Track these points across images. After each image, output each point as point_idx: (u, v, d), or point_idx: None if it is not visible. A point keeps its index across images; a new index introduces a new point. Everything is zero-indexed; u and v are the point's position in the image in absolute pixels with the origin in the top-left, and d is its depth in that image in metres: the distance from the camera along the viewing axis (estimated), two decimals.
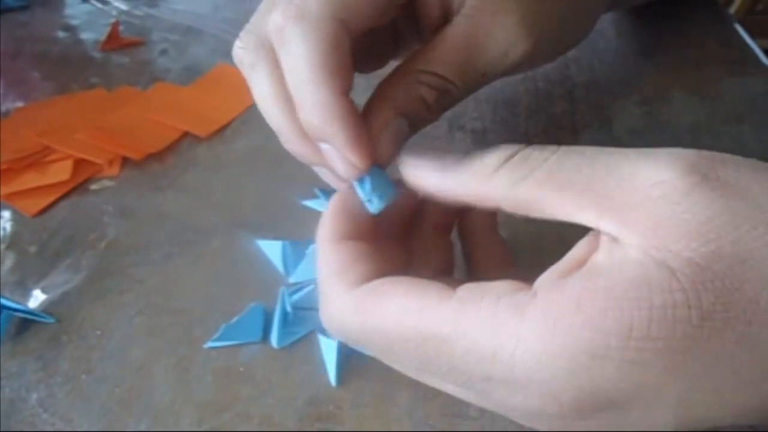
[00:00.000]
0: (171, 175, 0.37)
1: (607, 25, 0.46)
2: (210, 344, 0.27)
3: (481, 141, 0.37)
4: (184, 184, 0.36)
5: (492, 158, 0.18)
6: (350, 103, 0.20)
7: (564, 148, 0.17)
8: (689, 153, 0.15)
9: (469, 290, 0.16)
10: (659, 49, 0.43)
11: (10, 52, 0.50)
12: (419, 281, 0.17)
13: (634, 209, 0.15)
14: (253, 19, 0.25)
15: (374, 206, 0.20)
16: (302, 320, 0.28)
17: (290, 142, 0.22)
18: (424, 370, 0.17)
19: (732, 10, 1.07)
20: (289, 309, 0.28)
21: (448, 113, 0.39)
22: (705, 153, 0.15)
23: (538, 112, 0.38)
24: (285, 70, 0.21)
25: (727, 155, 0.16)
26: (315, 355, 0.27)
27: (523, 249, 0.29)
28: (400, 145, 0.22)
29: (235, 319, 0.28)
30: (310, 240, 0.31)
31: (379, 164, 0.21)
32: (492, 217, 0.23)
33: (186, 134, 0.40)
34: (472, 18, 0.23)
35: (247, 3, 0.55)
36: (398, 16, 0.24)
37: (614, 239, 0.15)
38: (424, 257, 0.22)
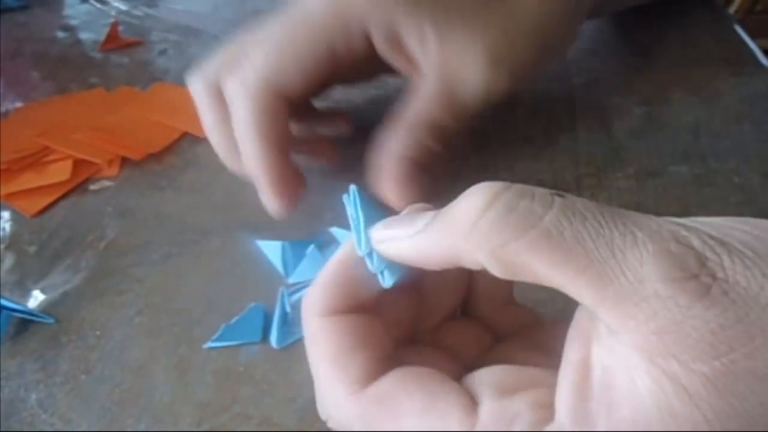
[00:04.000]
0: (170, 175, 0.37)
1: (607, 25, 0.46)
2: (209, 344, 0.27)
3: (480, 142, 0.37)
4: (183, 184, 0.36)
5: (466, 211, 0.15)
6: (278, 155, 0.28)
7: (559, 204, 0.14)
8: (698, 242, 0.14)
9: (494, 413, 0.15)
10: (659, 49, 0.43)
11: (10, 52, 0.50)
12: (435, 390, 0.16)
13: (638, 305, 0.13)
14: (212, 64, 0.31)
15: (386, 280, 0.17)
16: (302, 320, 0.28)
17: (229, 164, 0.31)
18: None
19: (732, 10, 1.07)
20: (288, 309, 0.28)
21: None
22: (714, 241, 0.14)
23: (538, 113, 0.38)
24: (233, 120, 0.28)
25: (737, 242, 0.14)
26: None
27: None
28: (409, 184, 0.27)
29: (234, 319, 0.28)
30: (309, 240, 0.31)
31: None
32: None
33: (185, 134, 0.40)
34: (441, 70, 0.28)
35: (247, 3, 0.55)
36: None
37: (614, 332, 0.14)
38: (437, 299, 0.20)
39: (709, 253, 0.13)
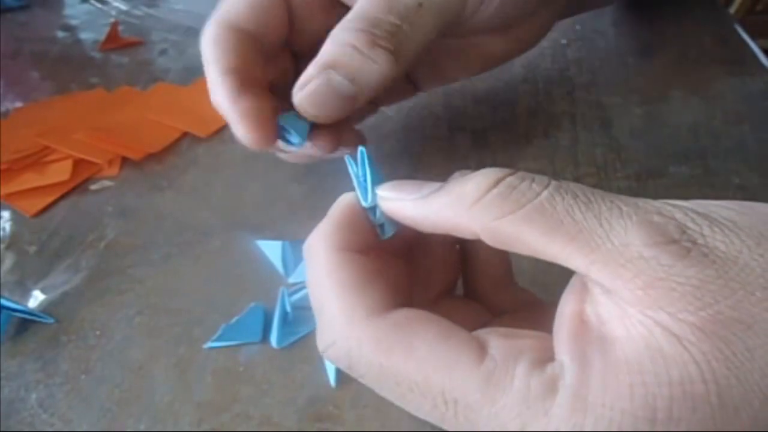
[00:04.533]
0: (170, 175, 0.37)
1: (607, 25, 0.46)
2: (210, 344, 0.27)
3: (480, 142, 0.37)
4: (183, 184, 0.36)
5: (472, 187, 0.16)
6: (237, 86, 0.24)
7: (555, 184, 0.16)
8: (680, 214, 0.15)
9: (501, 352, 0.15)
10: (659, 50, 0.43)
11: (10, 52, 0.50)
12: (449, 326, 0.16)
13: (625, 265, 0.14)
14: None
15: (386, 231, 0.19)
16: (302, 320, 0.28)
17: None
18: (436, 421, 0.16)
19: (732, 10, 1.07)
20: (288, 309, 0.28)
21: (448, 114, 0.39)
22: (697, 213, 0.15)
23: (538, 113, 0.38)
24: None
25: (715, 213, 0.15)
26: (315, 355, 0.27)
27: (523, 265, 0.29)
28: (336, 104, 0.22)
29: (234, 319, 0.28)
30: None
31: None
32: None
33: (186, 134, 0.40)
34: None
35: None
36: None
37: (607, 290, 0.15)
38: (429, 275, 0.21)
39: (690, 224, 0.15)
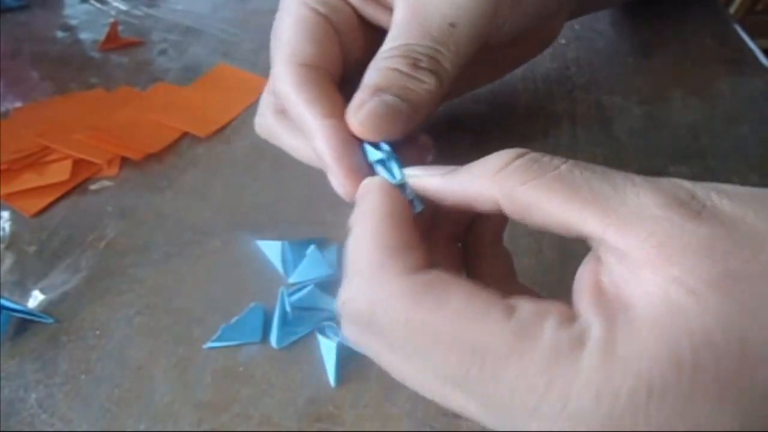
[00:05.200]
0: (170, 175, 0.37)
1: (607, 25, 0.46)
2: (209, 344, 0.27)
3: (481, 141, 0.37)
4: (183, 184, 0.36)
5: (497, 159, 0.18)
6: (336, 135, 0.22)
7: (573, 161, 0.17)
8: (688, 183, 0.16)
9: (530, 309, 0.16)
10: (659, 49, 0.43)
11: (9, 52, 0.50)
12: (478, 286, 0.17)
13: (639, 225, 0.15)
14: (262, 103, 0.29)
15: (415, 207, 0.20)
16: (302, 320, 0.28)
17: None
18: (455, 385, 0.16)
19: (732, 10, 1.07)
20: (288, 309, 0.28)
21: (447, 114, 0.39)
22: (704, 183, 0.16)
23: (538, 113, 0.38)
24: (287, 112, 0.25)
25: (722, 185, 0.16)
26: (314, 356, 0.27)
27: (524, 264, 0.29)
28: (395, 121, 0.22)
29: (234, 319, 0.28)
30: (310, 240, 0.31)
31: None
32: (498, 229, 0.23)
33: (185, 134, 0.40)
34: None
35: (247, 3, 0.55)
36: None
37: (622, 255, 0.15)
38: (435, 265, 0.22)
39: (699, 191, 0.16)
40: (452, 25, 0.24)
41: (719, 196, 0.16)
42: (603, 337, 0.15)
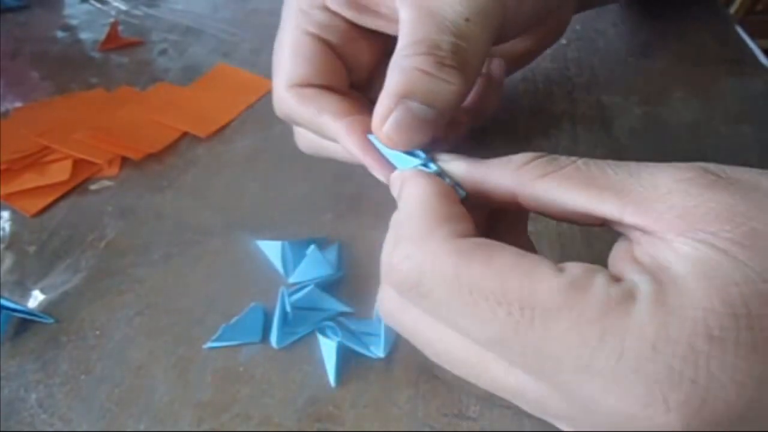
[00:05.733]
0: (170, 175, 0.37)
1: (607, 25, 0.46)
2: (210, 344, 0.27)
3: (480, 141, 0.37)
4: (183, 184, 0.36)
5: (520, 156, 0.19)
6: (356, 127, 0.23)
7: (587, 158, 0.18)
8: (704, 165, 0.17)
9: (579, 267, 0.16)
10: (659, 49, 0.43)
11: (10, 52, 0.50)
12: (526, 252, 0.16)
13: (657, 201, 0.16)
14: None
15: (460, 193, 0.20)
16: (302, 320, 0.28)
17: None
18: (501, 345, 0.16)
19: (732, 10, 1.07)
20: (288, 309, 0.28)
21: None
22: (714, 163, 0.17)
23: (538, 113, 0.38)
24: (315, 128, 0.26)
25: (738, 167, 0.17)
26: (315, 356, 0.27)
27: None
28: (422, 129, 0.21)
29: (234, 319, 0.28)
30: (310, 240, 0.31)
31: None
32: (522, 220, 0.23)
33: (186, 134, 0.40)
34: None
35: (247, 3, 0.55)
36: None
37: (645, 232, 0.16)
38: None
39: (712, 167, 0.17)
40: (467, 19, 0.23)
41: (732, 168, 0.16)
42: (652, 290, 0.15)
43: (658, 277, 0.15)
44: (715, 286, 0.14)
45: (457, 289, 0.16)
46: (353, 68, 0.27)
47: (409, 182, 0.20)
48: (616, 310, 0.14)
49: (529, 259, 0.16)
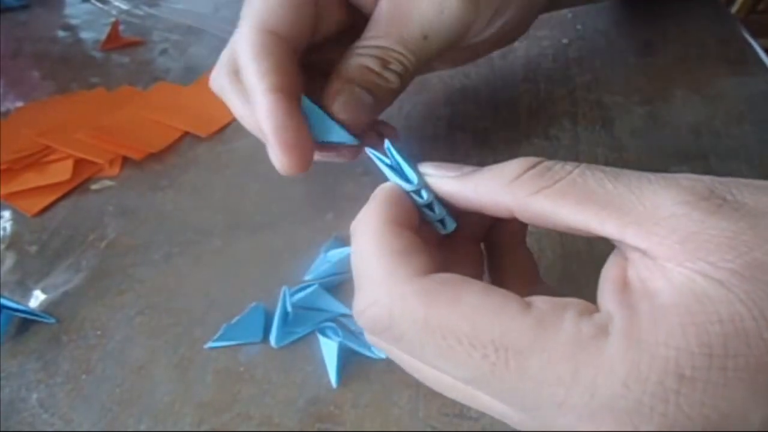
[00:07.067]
0: (171, 174, 0.37)
1: (608, 25, 0.46)
2: (210, 344, 0.27)
3: (481, 141, 0.37)
4: (184, 183, 0.36)
5: (512, 167, 0.18)
6: (284, 103, 0.24)
7: (585, 165, 0.17)
8: (707, 179, 0.16)
9: (547, 303, 0.16)
10: (661, 49, 0.42)
11: (10, 52, 0.50)
12: (492, 286, 0.16)
13: (658, 224, 0.15)
14: (222, 57, 0.29)
15: (447, 226, 0.20)
16: (302, 320, 0.28)
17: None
18: (480, 384, 0.16)
19: (733, 9, 1.07)
20: (289, 309, 0.28)
21: (448, 114, 0.39)
22: (721, 179, 0.16)
23: (539, 113, 0.38)
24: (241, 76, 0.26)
25: (741, 180, 0.16)
26: (315, 356, 0.27)
27: (549, 264, 0.29)
28: (361, 111, 0.26)
29: (235, 319, 0.28)
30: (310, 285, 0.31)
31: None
32: (521, 230, 0.22)
33: (186, 134, 0.40)
34: None
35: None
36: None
37: (643, 253, 0.15)
38: (455, 267, 0.21)
39: (717, 186, 0.15)
40: (425, 37, 0.26)
41: (739, 190, 0.15)
42: (626, 326, 0.14)
43: (636, 308, 0.15)
44: (696, 323, 0.14)
45: (429, 333, 0.16)
46: (326, 20, 0.28)
47: (361, 212, 0.19)
48: (589, 346, 0.14)
49: (496, 295, 0.16)
